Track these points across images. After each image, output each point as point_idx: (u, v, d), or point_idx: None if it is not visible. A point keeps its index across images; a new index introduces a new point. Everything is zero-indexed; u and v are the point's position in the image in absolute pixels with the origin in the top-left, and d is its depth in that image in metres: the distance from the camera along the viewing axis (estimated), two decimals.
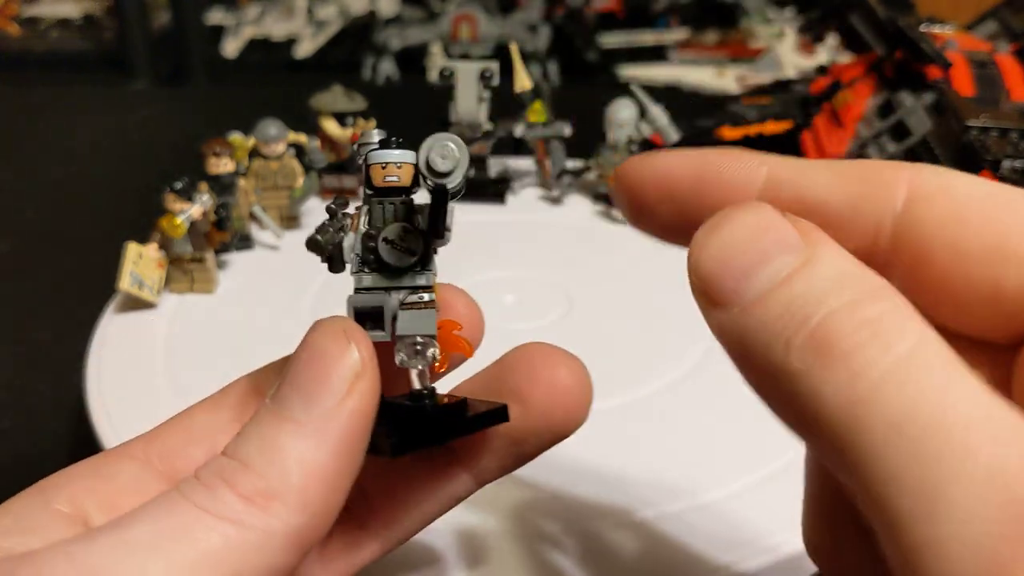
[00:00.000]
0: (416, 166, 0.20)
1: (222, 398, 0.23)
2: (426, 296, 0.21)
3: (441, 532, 0.29)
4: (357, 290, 0.21)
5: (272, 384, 0.22)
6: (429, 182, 0.20)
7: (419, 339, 0.21)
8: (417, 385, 0.21)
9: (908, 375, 0.14)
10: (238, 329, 0.44)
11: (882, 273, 0.17)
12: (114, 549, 0.16)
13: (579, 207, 0.57)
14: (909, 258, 0.18)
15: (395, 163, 0.21)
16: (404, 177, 0.21)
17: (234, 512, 0.17)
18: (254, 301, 0.46)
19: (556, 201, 0.58)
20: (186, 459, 0.21)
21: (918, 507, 0.14)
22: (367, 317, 0.21)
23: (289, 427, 0.18)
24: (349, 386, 0.18)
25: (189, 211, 0.45)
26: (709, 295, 0.17)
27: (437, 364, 0.21)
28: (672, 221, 0.20)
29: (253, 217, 0.52)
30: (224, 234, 0.48)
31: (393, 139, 0.21)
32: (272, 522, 0.17)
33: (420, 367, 0.21)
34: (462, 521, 0.30)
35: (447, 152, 0.20)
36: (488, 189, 0.57)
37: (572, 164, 0.58)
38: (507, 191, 0.58)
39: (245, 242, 0.51)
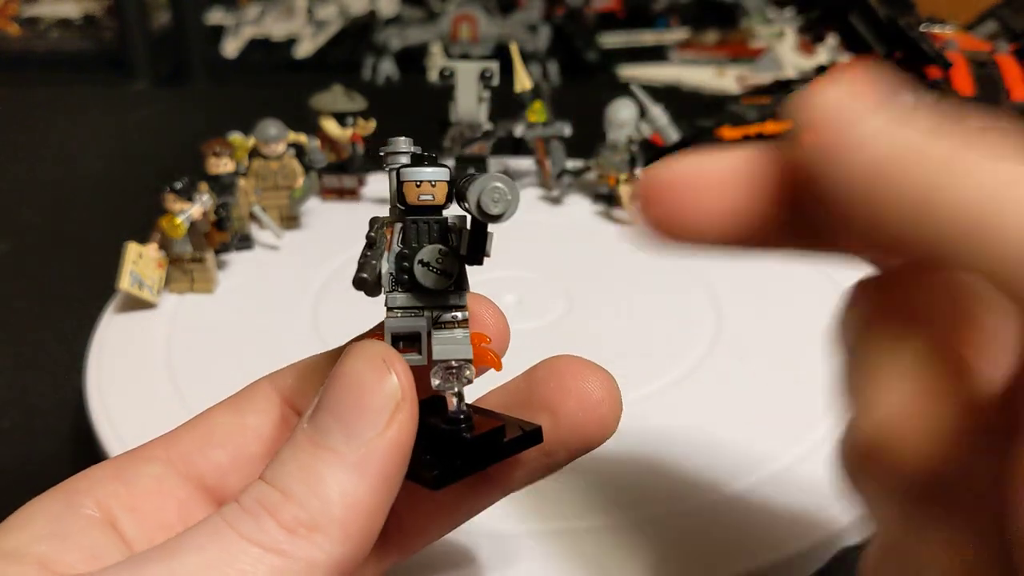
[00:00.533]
0: (464, 203, 0.20)
1: (243, 402, 0.23)
2: (459, 315, 0.21)
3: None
4: (390, 309, 0.21)
5: (295, 390, 0.23)
6: (471, 212, 0.20)
7: (454, 362, 0.21)
8: (454, 407, 0.21)
9: None
10: (238, 329, 0.44)
11: None
12: None
13: (579, 207, 0.57)
14: None
15: (430, 181, 0.21)
16: (439, 196, 0.21)
17: (278, 542, 0.17)
18: (254, 301, 0.46)
19: (556, 201, 0.58)
20: (208, 462, 0.22)
21: None
22: (403, 339, 0.21)
23: (329, 457, 0.18)
24: (389, 417, 0.19)
25: (189, 211, 0.45)
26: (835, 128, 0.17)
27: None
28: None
29: (253, 217, 0.52)
30: (224, 234, 0.48)
31: (426, 155, 0.21)
32: (316, 553, 0.18)
33: (456, 390, 0.21)
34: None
35: (499, 196, 0.19)
36: None
37: (572, 164, 0.58)
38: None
39: (245, 242, 0.51)
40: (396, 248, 0.21)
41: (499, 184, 0.19)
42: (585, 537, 0.30)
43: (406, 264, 0.21)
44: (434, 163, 0.21)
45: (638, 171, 0.54)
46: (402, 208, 0.21)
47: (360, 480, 0.18)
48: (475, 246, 0.21)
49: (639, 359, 0.40)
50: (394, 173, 0.21)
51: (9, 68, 1.06)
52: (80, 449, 0.39)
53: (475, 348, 0.21)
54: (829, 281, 0.43)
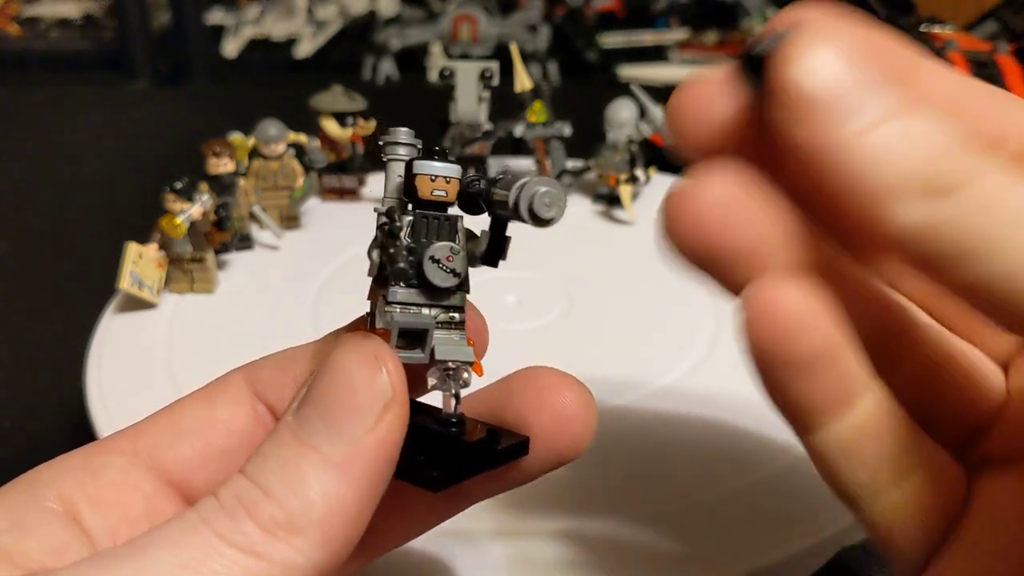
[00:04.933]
0: (511, 209, 0.20)
1: (215, 393, 0.22)
2: (457, 316, 0.21)
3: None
4: (389, 303, 0.20)
5: (270, 382, 0.22)
6: (499, 213, 0.20)
7: (451, 363, 0.21)
8: (449, 410, 0.21)
9: None
10: (238, 329, 0.44)
11: None
12: None
13: (579, 207, 0.57)
14: None
15: (445, 177, 0.20)
16: (451, 192, 0.20)
17: (254, 544, 0.17)
18: (254, 301, 0.46)
19: None
20: (175, 455, 0.21)
21: None
22: (407, 336, 0.20)
23: (312, 456, 0.18)
24: (378, 416, 0.18)
25: (189, 211, 0.45)
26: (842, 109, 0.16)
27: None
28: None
29: (253, 217, 0.52)
30: (224, 234, 0.48)
31: (437, 148, 0.20)
32: (293, 556, 0.17)
33: (453, 391, 0.21)
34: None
35: (551, 199, 0.19)
36: None
37: (572, 164, 0.58)
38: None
39: (245, 242, 0.51)
40: (404, 242, 0.20)
41: (550, 188, 0.19)
42: (584, 537, 0.30)
43: (413, 259, 0.20)
44: (446, 158, 0.20)
45: (638, 171, 0.54)
46: (407, 201, 0.21)
47: (344, 481, 0.17)
48: (495, 249, 0.20)
49: (639, 359, 0.40)
50: (399, 164, 0.21)
51: (9, 68, 1.06)
52: None
53: None
54: None
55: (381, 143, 0.21)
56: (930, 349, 0.21)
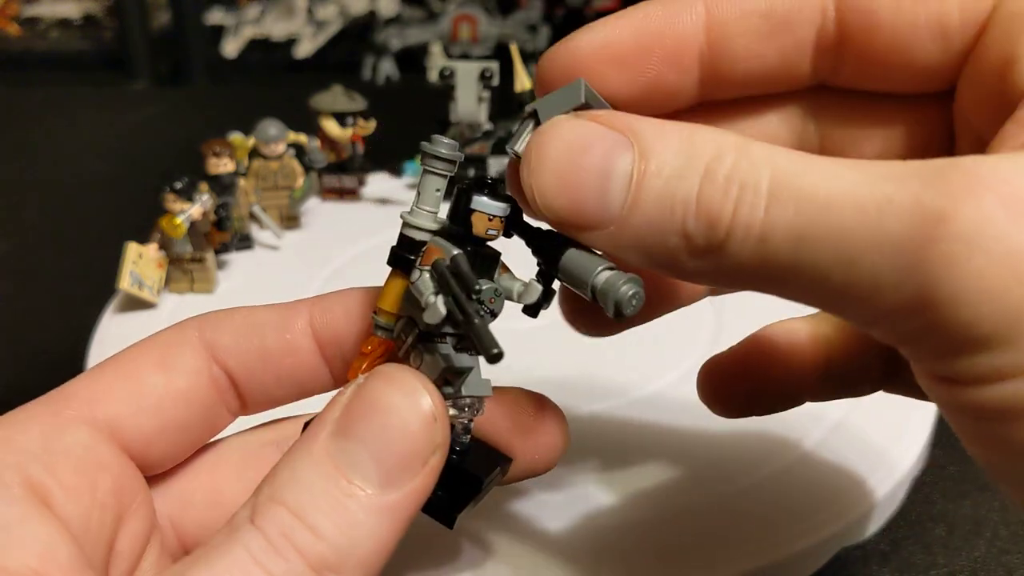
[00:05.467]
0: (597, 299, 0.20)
1: (172, 358, 0.22)
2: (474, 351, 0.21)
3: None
4: (428, 334, 0.20)
5: (231, 349, 0.22)
6: (563, 280, 0.20)
7: (480, 399, 0.21)
8: (463, 438, 0.22)
9: (792, 195, 0.16)
10: None
11: (836, 49, 0.20)
12: None
13: None
14: (857, 26, 0.20)
15: (501, 217, 0.20)
16: (501, 230, 0.21)
17: (293, 570, 0.17)
18: (254, 301, 0.46)
19: None
20: (135, 427, 0.21)
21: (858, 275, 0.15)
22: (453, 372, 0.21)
23: (363, 497, 0.18)
24: (431, 467, 0.19)
25: (189, 211, 0.45)
26: (578, 224, 0.18)
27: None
28: (625, 93, 0.20)
29: (253, 217, 0.52)
30: (224, 234, 0.48)
31: (491, 180, 0.20)
32: None
33: (467, 420, 0.21)
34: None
35: (637, 301, 0.19)
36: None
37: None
38: (507, 191, 0.58)
39: (245, 242, 0.51)
40: (477, 301, 0.20)
41: (637, 289, 0.19)
42: (584, 538, 0.30)
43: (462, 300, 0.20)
44: (501, 195, 0.20)
45: None
46: (451, 229, 0.20)
47: (391, 524, 0.18)
48: (540, 304, 0.21)
49: (639, 359, 0.40)
50: (438, 180, 0.20)
51: (9, 68, 1.06)
52: None
53: None
54: None
55: (422, 156, 0.20)
56: None
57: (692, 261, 0.17)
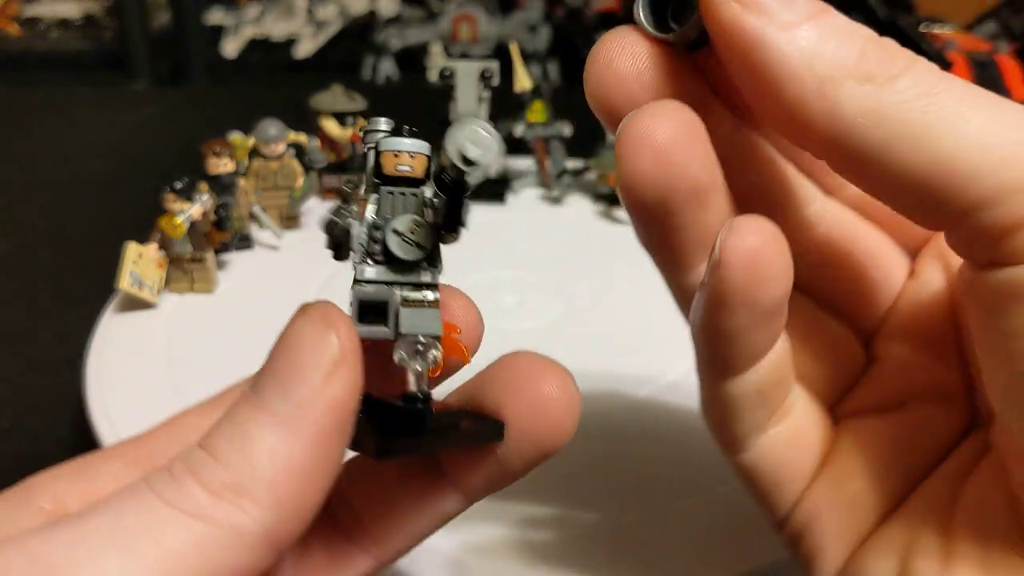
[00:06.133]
0: (436, 156, 0.19)
1: (217, 402, 0.22)
2: (430, 295, 0.20)
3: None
4: (357, 281, 0.20)
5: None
6: (448, 173, 0.19)
7: (422, 339, 0.20)
8: (413, 387, 0.20)
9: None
10: (238, 329, 0.44)
11: None
12: (72, 543, 0.15)
13: (579, 207, 0.57)
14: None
15: (409, 152, 0.20)
16: (417, 168, 0.20)
17: (200, 507, 0.16)
18: (254, 301, 0.46)
19: (556, 201, 0.58)
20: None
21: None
22: (370, 311, 0.20)
23: (263, 417, 0.17)
24: (326, 375, 0.17)
25: (189, 211, 0.45)
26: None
27: (435, 368, 0.20)
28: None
29: (253, 217, 0.52)
30: (224, 234, 0.48)
31: (406, 127, 0.20)
32: (241, 519, 0.16)
33: (419, 368, 0.20)
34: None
35: (478, 138, 0.18)
36: (488, 189, 0.57)
37: (572, 164, 0.58)
38: (507, 191, 0.58)
39: (245, 242, 0.51)
40: (370, 218, 0.20)
41: (479, 128, 0.18)
42: (583, 536, 0.30)
43: (379, 234, 0.20)
44: (414, 135, 0.20)
45: None
46: (378, 180, 0.20)
47: (292, 440, 0.17)
48: (452, 215, 0.19)
49: (638, 359, 0.40)
50: (370, 146, 0.20)
51: (9, 68, 1.06)
52: (80, 449, 0.39)
53: (444, 337, 0.20)
54: None
55: (362, 133, 0.21)
56: (828, 229, 0.23)
57: (853, 87, 0.18)
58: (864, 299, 0.24)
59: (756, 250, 0.19)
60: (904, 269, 0.24)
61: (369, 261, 0.20)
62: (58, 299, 0.54)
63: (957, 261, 0.23)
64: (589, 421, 0.36)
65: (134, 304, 0.45)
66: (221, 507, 0.16)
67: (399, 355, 0.20)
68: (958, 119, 0.17)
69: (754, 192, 0.22)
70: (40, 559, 0.15)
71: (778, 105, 0.18)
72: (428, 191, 0.20)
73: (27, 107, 0.92)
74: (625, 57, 0.20)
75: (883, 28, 0.58)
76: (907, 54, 0.18)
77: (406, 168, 0.20)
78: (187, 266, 0.46)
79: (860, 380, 0.25)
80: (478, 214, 0.55)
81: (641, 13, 0.20)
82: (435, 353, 0.20)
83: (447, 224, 0.20)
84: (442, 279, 0.22)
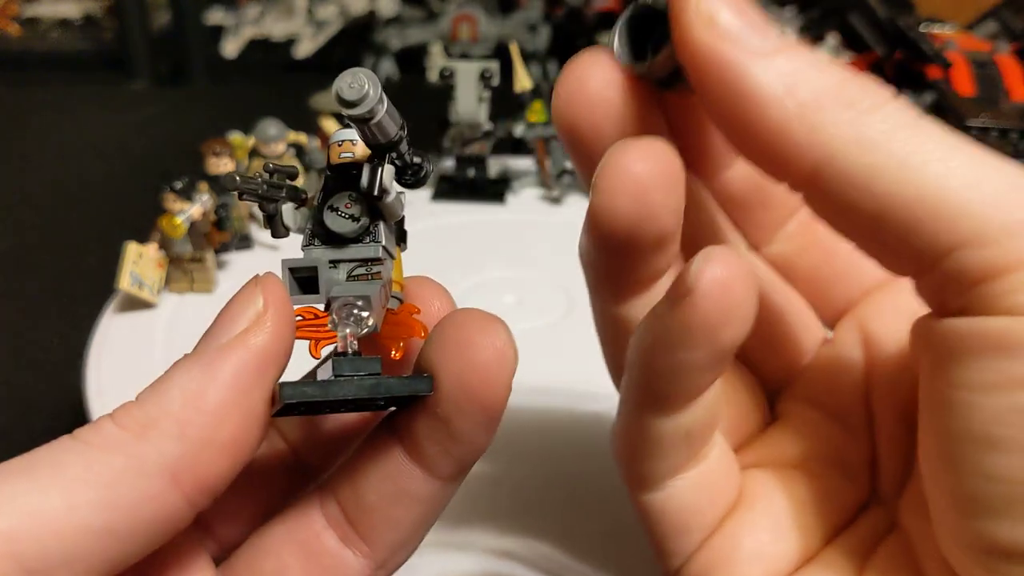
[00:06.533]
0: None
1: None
2: (375, 269, 0.20)
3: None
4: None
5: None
6: (368, 138, 0.20)
7: (354, 301, 0.19)
8: (342, 348, 0.19)
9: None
10: None
11: None
12: None
13: (579, 207, 0.57)
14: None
15: (350, 140, 0.21)
16: (359, 153, 0.21)
17: (106, 440, 0.17)
18: None
19: (556, 201, 0.58)
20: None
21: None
22: (304, 281, 0.21)
23: (186, 362, 0.18)
24: (250, 326, 0.18)
25: (189, 211, 0.45)
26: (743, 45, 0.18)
27: (378, 334, 0.20)
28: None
29: (253, 217, 0.52)
30: (224, 234, 0.48)
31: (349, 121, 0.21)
32: (145, 448, 0.17)
33: (348, 331, 0.19)
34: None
35: (355, 81, 0.20)
36: (488, 189, 0.57)
37: (572, 164, 0.58)
38: (507, 191, 0.58)
39: (245, 242, 0.51)
40: (315, 204, 0.21)
41: (360, 73, 0.20)
42: (582, 535, 0.30)
43: (320, 216, 0.21)
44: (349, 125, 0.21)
45: None
46: (328, 172, 0.21)
47: (205, 379, 0.17)
48: (370, 176, 0.20)
49: None
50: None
51: (9, 68, 1.06)
52: None
53: (404, 317, 0.21)
54: None
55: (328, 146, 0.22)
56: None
57: (836, 112, 0.18)
58: (773, 355, 0.25)
59: (730, 283, 0.18)
60: (818, 335, 0.24)
61: (316, 242, 0.21)
62: (58, 299, 0.54)
63: (877, 333, 0.23)
64: (590, 421, 0.36)
65: (134, 304, 0.45)
66: (128, 439, 0.17)
67: (332, 319, 0.20)
68: (944, 154, 0.17)
69: (685, 235, 0.22)
70: None
71: (759, 133, 0.18)
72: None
73: (27, 107, 0.92)
74: (596, 83, 0.20)
75: (883, 28, 0.58)
76: (885, 89, 0.18)
77: (348, 155, 0.21)
78: (187, 266, 0.46)
79: (764, 433, 0.25)
80: (478, 214, 0.55)
81: (616, 42, 0.20)
82: (366, 316, 0.19)
83: (368, 187, 0.20)
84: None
